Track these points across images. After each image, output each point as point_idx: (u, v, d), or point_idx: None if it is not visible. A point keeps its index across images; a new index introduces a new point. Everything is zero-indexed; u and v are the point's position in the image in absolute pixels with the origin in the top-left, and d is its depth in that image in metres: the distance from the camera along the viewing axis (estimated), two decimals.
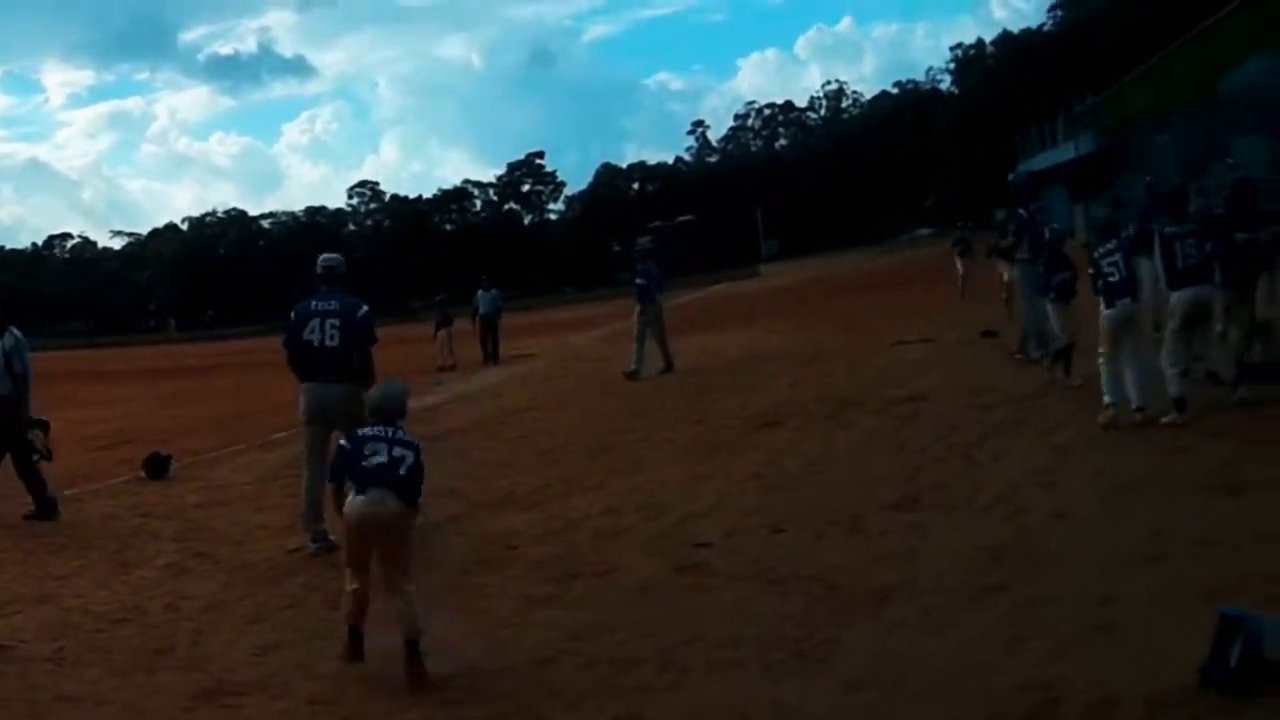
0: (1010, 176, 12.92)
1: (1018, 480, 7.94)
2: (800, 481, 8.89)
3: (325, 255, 8.48)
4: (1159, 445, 8.18)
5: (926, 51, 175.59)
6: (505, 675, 5.39)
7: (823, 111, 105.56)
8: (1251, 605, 4.37)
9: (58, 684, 5.72)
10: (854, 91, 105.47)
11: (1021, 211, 12.66)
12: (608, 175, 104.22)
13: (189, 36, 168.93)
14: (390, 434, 5.73)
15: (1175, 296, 9.15)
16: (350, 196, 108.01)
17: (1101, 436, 8.83)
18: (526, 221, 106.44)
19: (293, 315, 8.23)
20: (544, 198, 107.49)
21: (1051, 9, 74.87)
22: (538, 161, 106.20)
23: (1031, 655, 4.80)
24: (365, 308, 8.24)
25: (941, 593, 5.83)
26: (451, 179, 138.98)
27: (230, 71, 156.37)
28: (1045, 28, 75.23)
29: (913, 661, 4.95)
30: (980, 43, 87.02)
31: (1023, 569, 6.00)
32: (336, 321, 8.01)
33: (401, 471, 5.58)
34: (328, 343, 7.99)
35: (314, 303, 8.16)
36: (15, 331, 9.76)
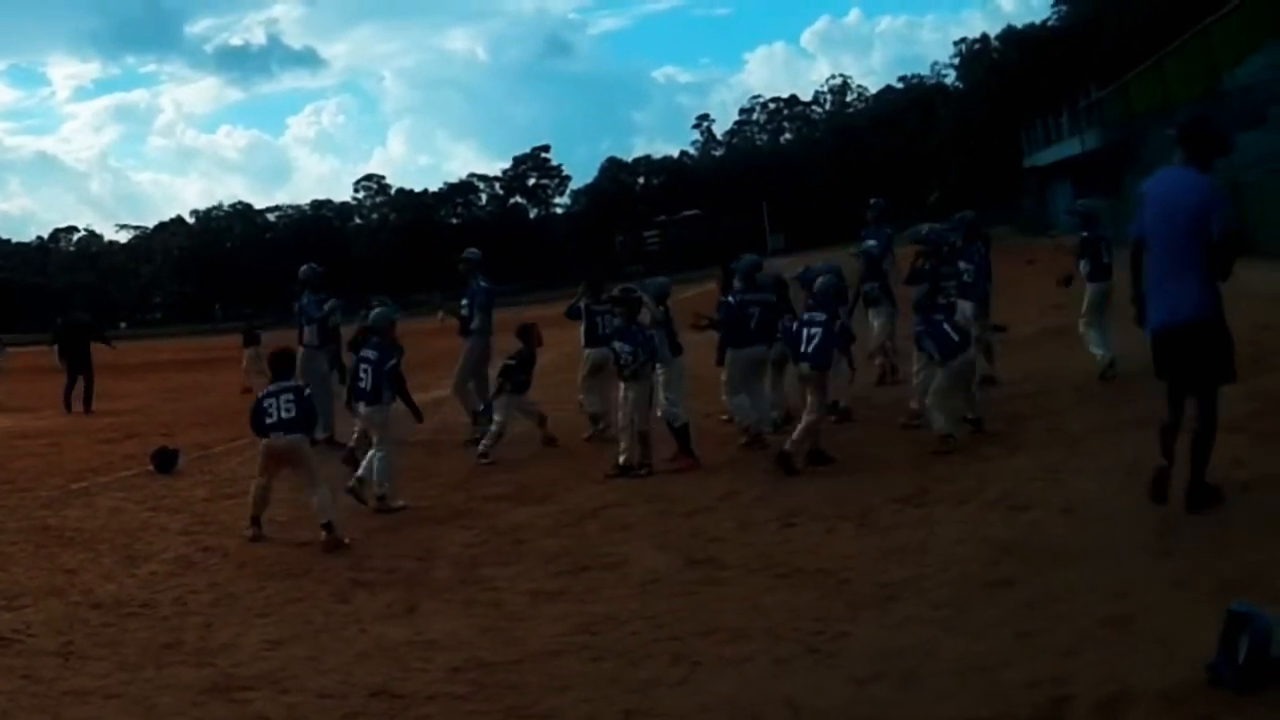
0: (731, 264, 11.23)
1: (1026, 475, 7.94)
2: (810, 475, 8.88)
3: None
4: None
5: (932, 45, 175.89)
6: (515, 669, 5.38)
7: (827, 105, 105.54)
8: (1264, 600, 4.35)
9: (66, 678, 5.73)
10: (859, 85, 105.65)
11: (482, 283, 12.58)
12: (613, 169, 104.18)
13: (195, 28, 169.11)
14: None
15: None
16: (356, 190, 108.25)
17: (1111, 431, 8.80)
18: (532, 215, 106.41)
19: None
20: (549, 191, 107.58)
21: (1057, 3, 74.55)
22: (543, 155, 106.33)
23: (1042, 650, 4.79)
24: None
25: (951, 587, 5.83)
26: (458, 172, 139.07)
27: (239, 63, 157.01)
28: (1050, 22, 74.86)
29: (923, 656, 4.94)
30: (985, 37, 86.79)
31: (1032, 564, 6.00)
32: None
33: None
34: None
35: None
36: None
